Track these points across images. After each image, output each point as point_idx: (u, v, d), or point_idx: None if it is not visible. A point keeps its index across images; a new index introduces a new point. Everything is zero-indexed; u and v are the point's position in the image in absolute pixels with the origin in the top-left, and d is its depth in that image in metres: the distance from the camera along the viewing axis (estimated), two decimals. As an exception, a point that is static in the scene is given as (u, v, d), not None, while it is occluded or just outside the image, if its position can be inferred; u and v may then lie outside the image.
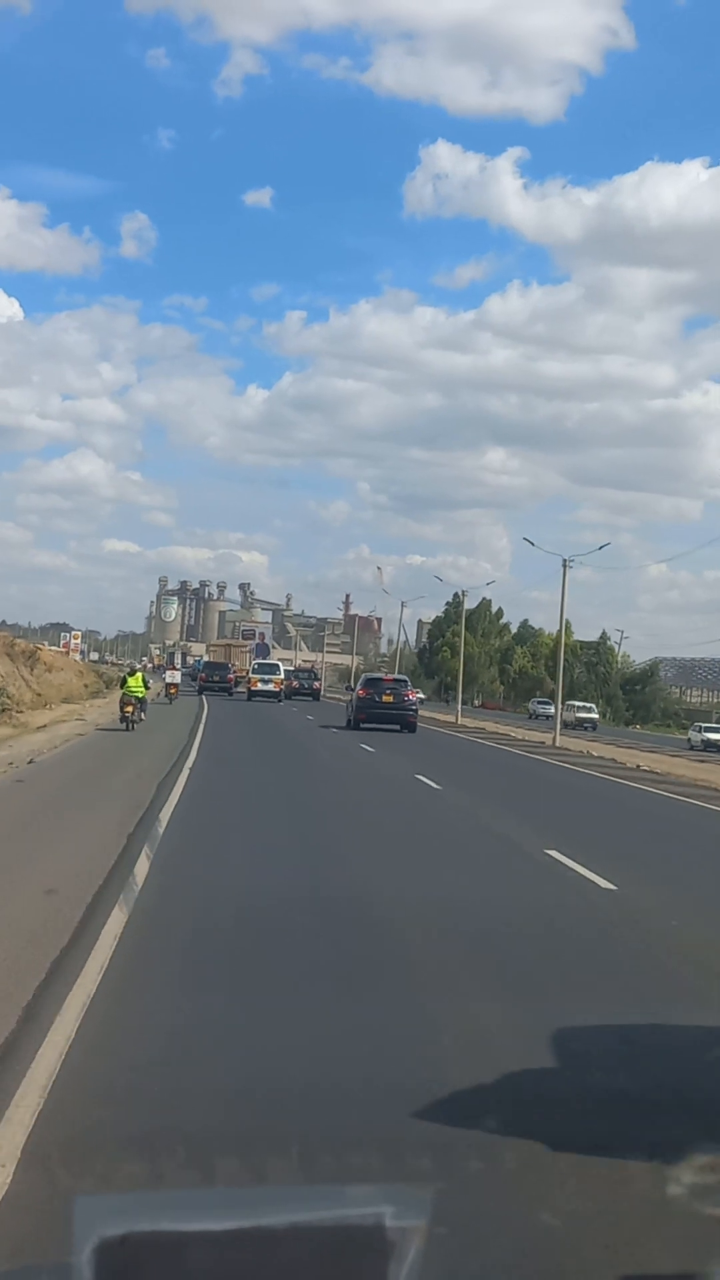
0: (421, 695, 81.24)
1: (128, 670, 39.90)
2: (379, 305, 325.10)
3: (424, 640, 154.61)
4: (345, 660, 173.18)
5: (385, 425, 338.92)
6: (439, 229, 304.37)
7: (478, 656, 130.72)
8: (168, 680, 60.92)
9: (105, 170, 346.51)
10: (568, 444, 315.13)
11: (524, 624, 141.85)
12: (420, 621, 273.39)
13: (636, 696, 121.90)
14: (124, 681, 35.51)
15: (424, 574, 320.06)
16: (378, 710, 44.84)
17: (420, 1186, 4.51)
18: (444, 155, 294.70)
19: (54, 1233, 4.02)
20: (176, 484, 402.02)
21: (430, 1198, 3.67)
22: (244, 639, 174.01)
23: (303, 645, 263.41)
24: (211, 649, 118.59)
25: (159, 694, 56.54)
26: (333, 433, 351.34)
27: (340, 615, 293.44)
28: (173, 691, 58.99)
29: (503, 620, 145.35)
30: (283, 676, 73.55)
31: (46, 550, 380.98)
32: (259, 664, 78.22)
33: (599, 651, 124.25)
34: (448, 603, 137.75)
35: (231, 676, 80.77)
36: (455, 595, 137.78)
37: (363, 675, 57.66)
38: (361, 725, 43.93)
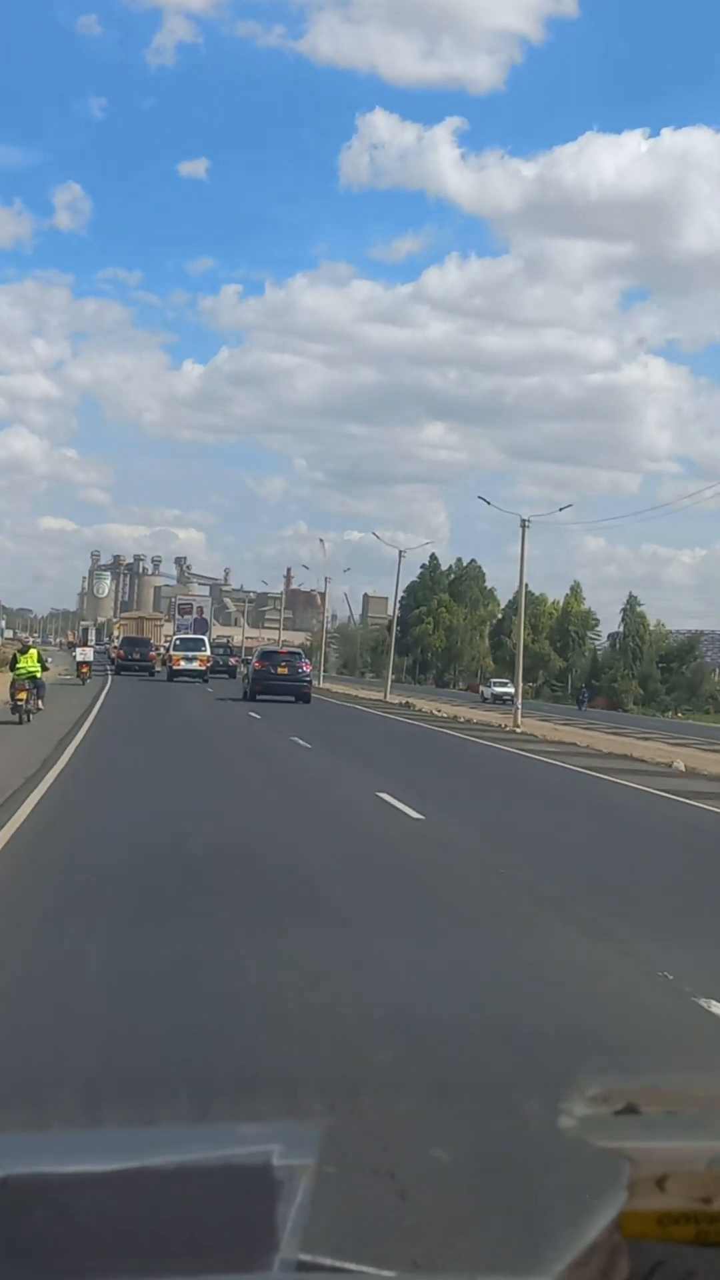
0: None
1: (18, 647, 32.06)
2: (315, 279, 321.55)
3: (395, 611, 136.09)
4: (287, 636, 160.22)
5: (322, 400, 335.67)
6: (376, 200, 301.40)
7: (462, 629, 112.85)
8: (78, 659, 56.27)
9: (35, 141, 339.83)
10: (506, 418, 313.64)
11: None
12: (365, 595, 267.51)
13: (676, 677, 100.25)
14: (13, 661, 29.56)
15: (363, 549, 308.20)
16: (273, 682, 45.29)
17: (309, 1123, 4.42)
18: (381, 125, 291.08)
19: None
20: (112, 461, 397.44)
21: (319, 1134, 3.10)
22: (180, 613, 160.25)
23: (241, 620, 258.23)
24: (122, 623, 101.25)
25: (63, 672, 52.98)
26: (269, 408, 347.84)
27: (281, 590, 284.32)
28: (84, 671, 54.38)
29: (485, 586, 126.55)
30: (208, 654, 65.64)
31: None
32: (181, 639, 70.48)
33: (628, 621, 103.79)
34: (423, 566, 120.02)
35: (153, 654, 72.03)
36: (431, 558, 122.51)
37: (258, 649, 56.18)
38: (257, 697, 44.40)
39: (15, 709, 27.90)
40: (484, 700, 75.72)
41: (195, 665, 61.96)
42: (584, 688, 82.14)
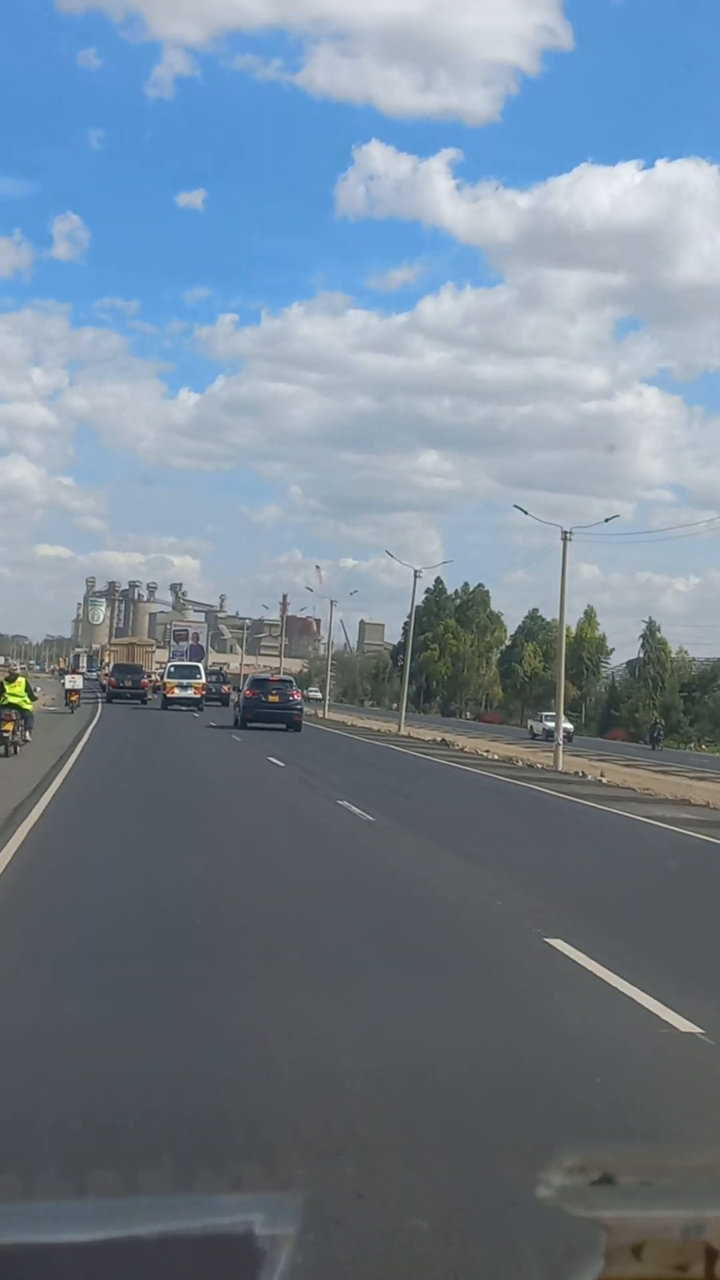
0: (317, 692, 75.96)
1: (5, 675, 29.47)
2: (311, 308, 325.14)
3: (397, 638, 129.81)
4: (284, 663, 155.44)
5: (317, 428, 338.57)
6: (372, 230, 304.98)
7: (469, 656, 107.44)
8: (66, 686, 53.52)
9: (35, 172, 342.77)
10: (501, 446, 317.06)
11: (532, 614, 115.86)
12: (362, 622, 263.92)
13: (699, 707, 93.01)
14: None
15: (357, 577, 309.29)
16: (264, 710, 45.13)
17: (289, 1193, 4.49)
18: (377, 156, 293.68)
19: None
20: (109, 488, 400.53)
21: (299, 1205, 3.31)
22: (176, 640, 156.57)
23: (237, 647, 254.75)
24: (113, 649, 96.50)
25: (51, 702, 49.84)
26: (265, 436, 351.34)
27: (277, 617, 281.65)
28: (73, 699, 51.73)
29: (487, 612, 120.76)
30: (204, 681, 63.72)
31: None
32: (176, 666, 66.71)
33: (648, 647, 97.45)
34: (428, 590, 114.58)
35: (145, 681, 69.36)
36: (437, 582, 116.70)
37: (249, 676, 54.63)
38: (248, 724, 44.13)
39: (0, 741, 26.49)
40: (533, 736, 68.06)
41: (190, 693, 59.59)
42: (656, 724, 73.61)
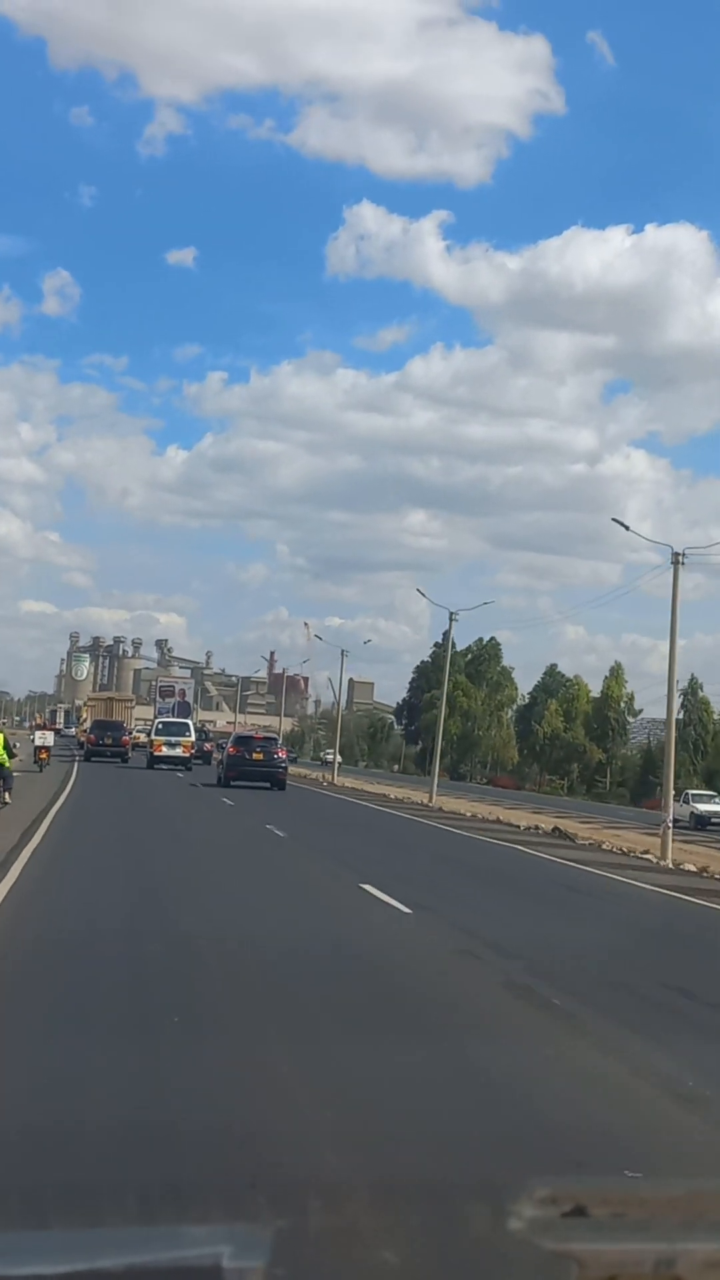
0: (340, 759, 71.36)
1: None
2: (300, 367, 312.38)
3: (405, 696, 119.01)
4: (271, 720, 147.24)
5: (305, 487, 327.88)
6: (362, 290, 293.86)
7: (480, 715, 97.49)
8: (36, 743, 49.06)
9: (26, 228, 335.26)
10: (489, 507, 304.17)
11: (550, 670, 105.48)
12: (351, 680, 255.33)
13: None
14: None
15: (343, 636, 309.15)
16: (248, 768, 44.27)
17: (259, 1226, 3.94)
18: (368, 217, 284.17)
19: None
20: (95, 545, 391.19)
21: (269, 1238, 3.31)
22: (162, 696, 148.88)
23: (224, 705, 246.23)
24: (91, 704, 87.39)
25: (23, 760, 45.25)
26: (252, 494, 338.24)
27: (264, 674, 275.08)
28: (43, 757, 47.27)
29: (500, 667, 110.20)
30: (193, 739, 60.88)
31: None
32: (164, 723, 64.14)
33: (689, 707, 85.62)
34: (436, 644, 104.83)
35: (126, 739, 64.20)
36: (445, 635, 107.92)
37: (233, 734, 54.03)
38: (232, 783, 43.14)
39: None
40: (698, 825, 50.83)
41: (178, 751, 56.87)
42: None
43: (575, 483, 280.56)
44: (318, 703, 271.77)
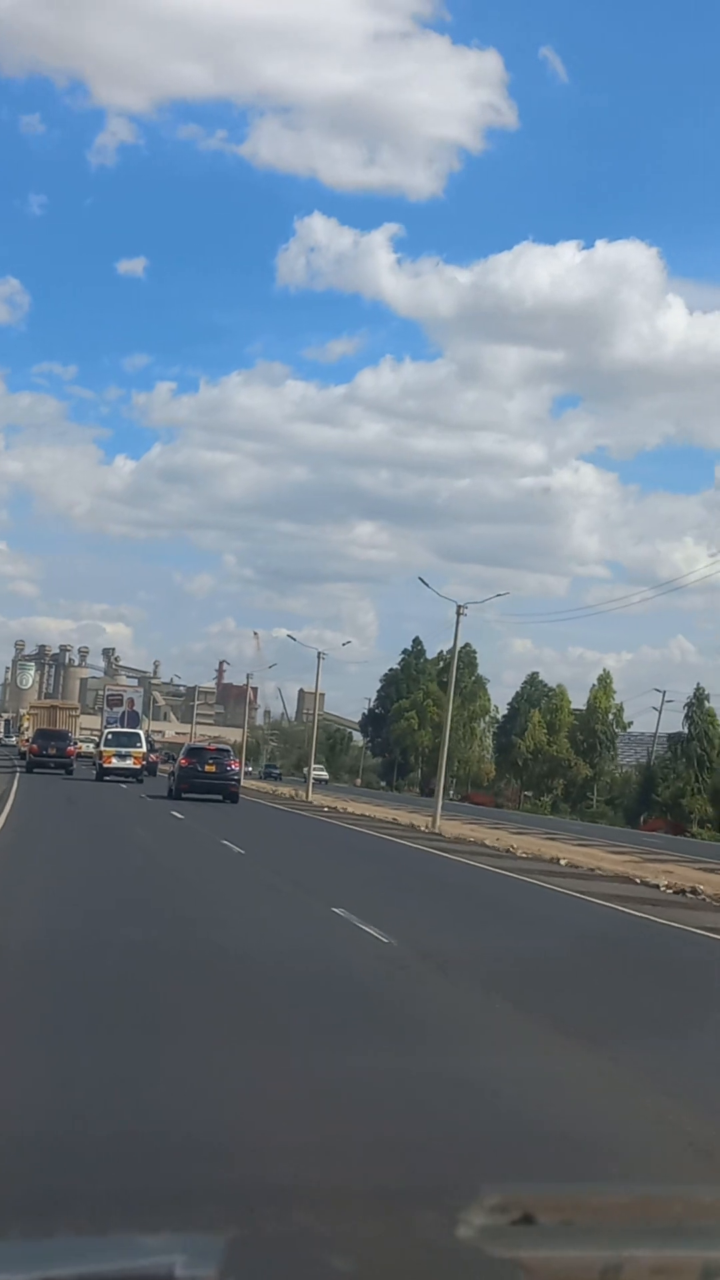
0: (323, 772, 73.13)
1: None
2: (250, 377, 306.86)
3: (371, 705, 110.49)
4: (221, 731, 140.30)
5: (253, 498, 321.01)
6: (312, 302, 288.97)
7: (454, 725, 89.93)
8: None
9: None
10: (437, 519, 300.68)
11: (531, 679, 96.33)
12: (302, 691, 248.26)
13: None
14: None
15: (289, 647, 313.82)
16: (200, 780, 43.09)
17: (212, 1235, 4.03)
18: (319, 229, 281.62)
19: None
20: (42, 554, 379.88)
21: (222, 1246, 3.41)
22: (110, 705, 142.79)
23: (172, 715, 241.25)
24: (34, 712, 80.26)
25: None
26: (200, 505, 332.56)
27: (213, 684, 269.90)
28: None
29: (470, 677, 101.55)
30: (144, 750, 57.92)
31: None
32: (114, 733, 60.86)
33: (694, 720, 76.65)
34: (405, 651, 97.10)
35: (72, 749, 61.29)
36: (415, 642, 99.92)
37: (185, 745, 51.69)
38: (184, 795, 41.92)
39: None
40: None
41: (129, 763, 54.03)
42: None
43: (524, 496, 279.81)
44: (267, 713, 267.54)
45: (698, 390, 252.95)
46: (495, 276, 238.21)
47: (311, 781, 64.71)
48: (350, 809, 50.85)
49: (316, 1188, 5.47)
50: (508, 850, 32.55)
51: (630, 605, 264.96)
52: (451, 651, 42.04)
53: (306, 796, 58.96)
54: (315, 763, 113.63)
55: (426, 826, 40.29)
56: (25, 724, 79.06)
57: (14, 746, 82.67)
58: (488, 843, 34.93)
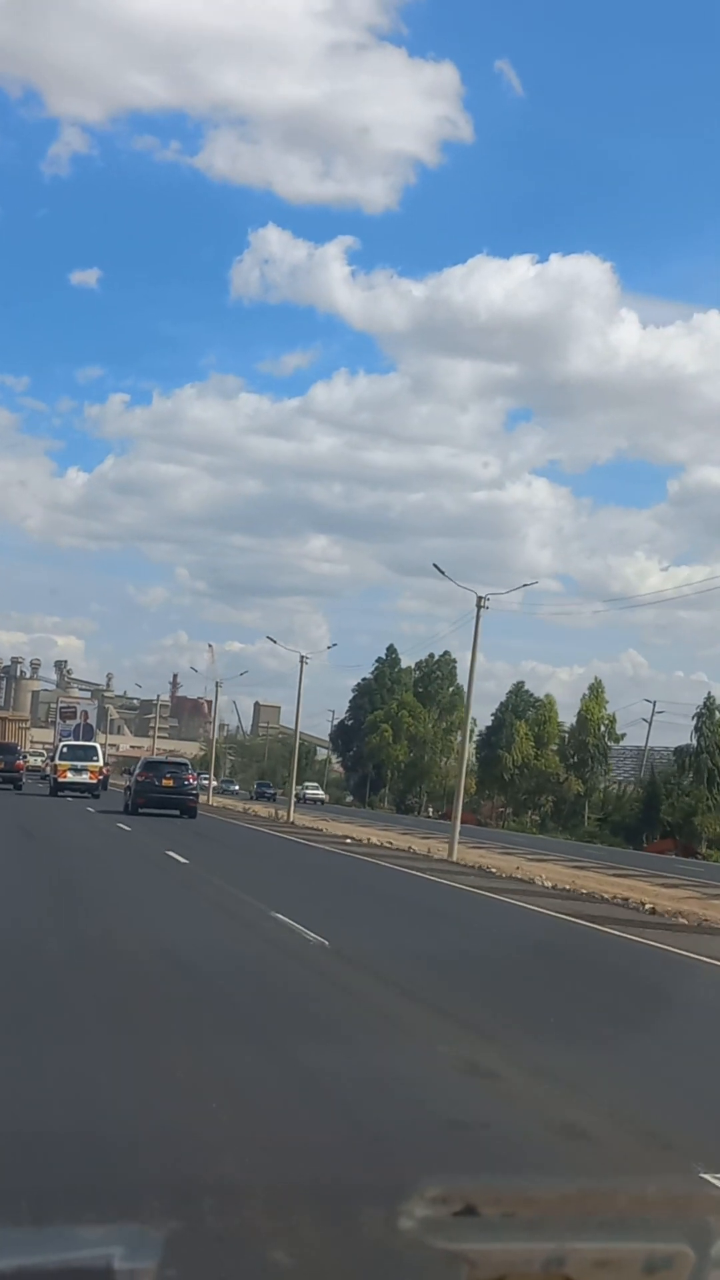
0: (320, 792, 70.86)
1: None
2: (203, 390, 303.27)
3: (342, 718, 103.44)
4: (175, 745, 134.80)
5: (206, 510, 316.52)
6: (266, 315, 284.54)
7: (431, 740, 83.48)
8: None
9: None
10: (390, 533, 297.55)
11: (517, 689, 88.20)
12: (258, 704, 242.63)
13: None
14: None
15: (244, 659, 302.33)
16: (157, 795, 41.75)
17: (151, 1227, 4.18)
18: (273, 241, 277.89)
19: None
20: None
21: (161, 1238, 3.39)
22: (63, 718, 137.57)
23: (126, 729, 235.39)
24: None
25: None
26: (153, 517, 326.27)
27: (168, 698, 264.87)
28: None
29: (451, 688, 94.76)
30: (101, 764, 55.88)
31: None
32: (69, 746, 58.93)
33: (705, 733, 69.66)
34: (379, 660, 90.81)
35: (21, 763, 58.63)
36: (389, 651, 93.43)
37: (141, 759, 50.27)
38: (140, 810, 40.44)
39: None
40: None
41: (85, 777, 52.04)
42: None
43: (477, 510, 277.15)
44: (223, 726, 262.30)
45: (650, 405, 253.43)
46: (449, 290, 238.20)
47: (294, 801, 58.07)
48: (338, 831, 44.60)
49: (254, 1183, 5.50)
50: (568, 889, 26.25)
51: (580, 618, 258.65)
52: (473, 647, 35.69)
53: (289, 817, 52.71)
54: (301, 780, 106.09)
55: (433, 851, 34.06)
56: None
57: None
58: (520, 874, 28.70)
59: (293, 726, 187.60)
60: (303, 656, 59.57)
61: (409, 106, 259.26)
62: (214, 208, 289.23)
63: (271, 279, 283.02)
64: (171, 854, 24.61)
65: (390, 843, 38.76)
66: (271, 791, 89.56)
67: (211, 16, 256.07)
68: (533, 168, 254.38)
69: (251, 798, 75.38)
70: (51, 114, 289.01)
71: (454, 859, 32.99)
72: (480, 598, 35.12)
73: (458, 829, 35.78)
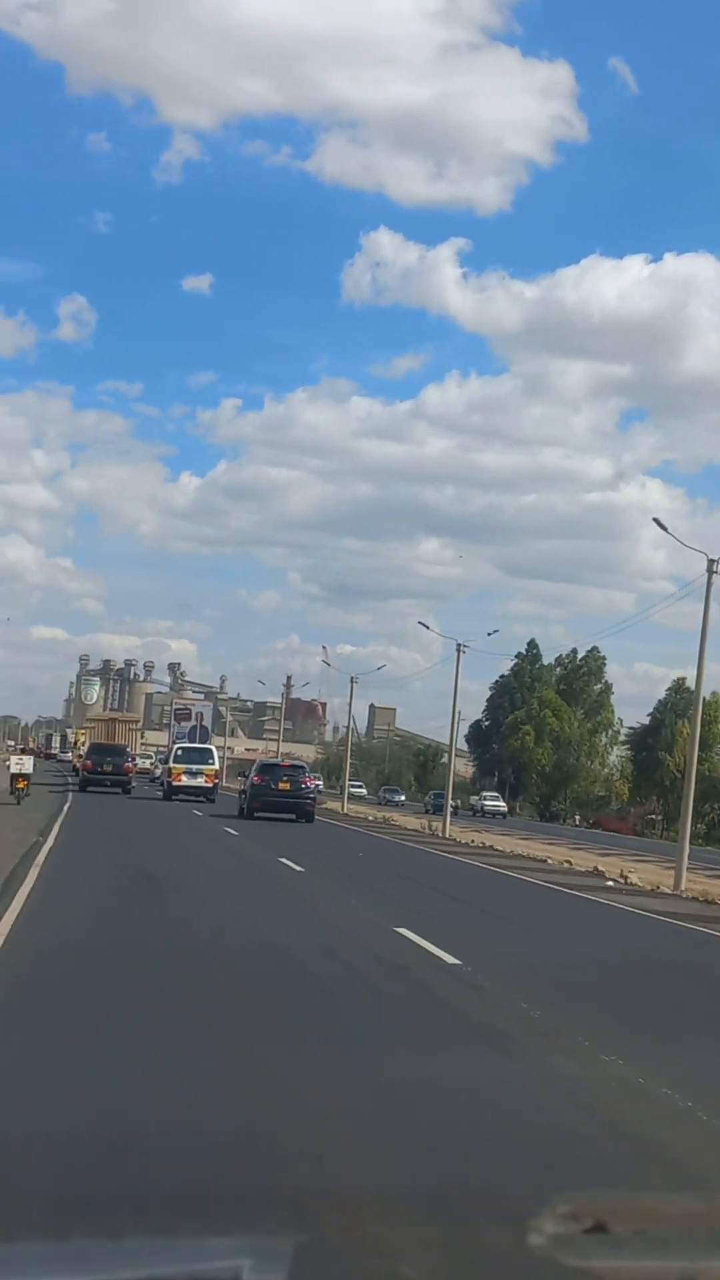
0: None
1: None
2: (314, 394, 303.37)
3: (481, 718, 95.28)
4: (289, 748, 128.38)
5: (318, 514, 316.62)
6: (377, 318, 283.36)
7: (576, 741, 75.59)
8: (11, 770, 38.54)
9: (42, 254, 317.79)
10: (502, 535, 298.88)
11: (677, 685, 78.53)
12: (373, 706, 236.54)
13: None
14: None
15: (354, 664, 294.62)
16: (273, 798, 39.98)
17: (279, 1239, 4.05)
18: (385, 244, 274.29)
19: None
20: (107, 571, 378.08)
21: (288, 1250, 3.37)
22: (178, 720, 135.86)
23: (239, 731, 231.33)
24: (90, 724, 70.83)
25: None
26: (264, 521, 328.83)
27: (280, 700, 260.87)
28: (20, 786, 37.08)
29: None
30: (216, 767, 51.90)
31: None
32: (184, 749, 54.54)
33: None
34: (519, 655, 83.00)
35: (130, 766, 53.29)
36: (530, 646, 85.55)
37: (257, 761, 47.69)
38: (256, 814, 38.97)
39: None
40: None
41: (200, 781, 49.37)
42: None
43: (589, 511, 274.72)
44: (336, 729, 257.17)
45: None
46: (562, 290, 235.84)
47: (449, 813, 49.64)
48: (508, 848, 37.07)
49: (380, 1194, 5.33)
50: None
51: (694, 621, 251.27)
52: (703, 622, 27.74)
53: (444, 831, 45.19)
54: (396, 780, 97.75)
55: (648, 882, 26.31)
56: (80, 738, 66.86)
57: (69, 762, 72.35)
58: None
59: (411, 729, 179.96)
60: (460, 645, 51.44)
61: (522, 106, 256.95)
62: (325, 211, 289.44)
63: (383, 281, 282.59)
64: (404, 931, 14.37)
65: (600, 868, 30.98)
66: (439, 801, 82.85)
67: (321, 19, 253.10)
68: (647, 166, 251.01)
69: (429, 811, 66.97)
70: (163, 121, 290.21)
71: (682, 891, 25.23)
72: (711, 560, 27.22)
73: (685, 852, 27.76)
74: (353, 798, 74.63)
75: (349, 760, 70.37)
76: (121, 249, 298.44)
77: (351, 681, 62.23)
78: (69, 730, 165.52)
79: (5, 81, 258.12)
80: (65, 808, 36.80)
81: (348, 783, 70.65)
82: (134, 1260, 2.83)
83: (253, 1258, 2.64)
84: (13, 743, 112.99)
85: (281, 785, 40.18)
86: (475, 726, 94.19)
